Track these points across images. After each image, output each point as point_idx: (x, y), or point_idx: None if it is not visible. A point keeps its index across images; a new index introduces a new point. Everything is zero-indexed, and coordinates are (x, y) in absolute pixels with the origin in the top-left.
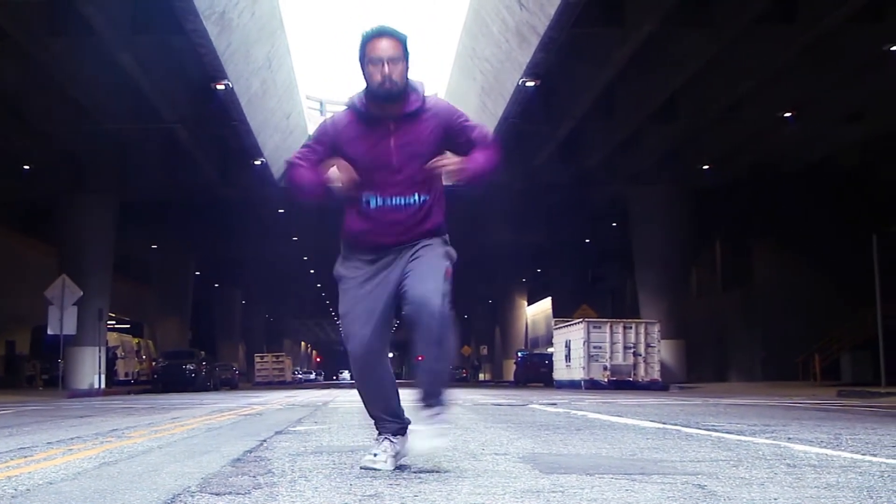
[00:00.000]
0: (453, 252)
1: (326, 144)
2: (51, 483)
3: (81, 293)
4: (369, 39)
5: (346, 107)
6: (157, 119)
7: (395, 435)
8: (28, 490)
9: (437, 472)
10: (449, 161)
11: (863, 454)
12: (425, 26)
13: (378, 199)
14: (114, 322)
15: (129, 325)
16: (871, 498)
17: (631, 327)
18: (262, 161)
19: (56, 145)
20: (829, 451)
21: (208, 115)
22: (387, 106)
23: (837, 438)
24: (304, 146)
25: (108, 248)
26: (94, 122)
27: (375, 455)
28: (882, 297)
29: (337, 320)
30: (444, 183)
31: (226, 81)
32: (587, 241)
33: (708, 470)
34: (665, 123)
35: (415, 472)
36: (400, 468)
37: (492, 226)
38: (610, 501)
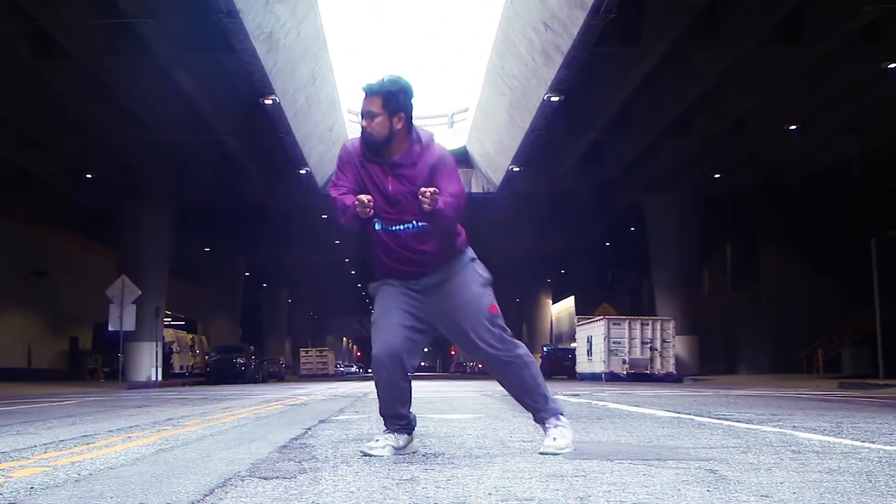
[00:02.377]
0: (484, 271)
1: (349, 164)
2: (111, 468)
3: (140, 292)
4: (363, 94)
5: (360, 140)
6: (210, 131)
7: (399, 433)
8: (91, 474)
9: (469, 457)
10: (427, 195)
11: (862, 441)
12: (458, 47)
13: (380, 224)
14: (170, 319)
15: (184, 323)
16: (871, 482)
17: (648, 324)
18: (306, 170)
19: (115, 156)
20: (831, 439)
21: (257, 127)
22: (380, 152)
23: (839, 427)
24: (335, 173)
25: (164, 251)
26: (151, 134)
27: (376, 441)
28: (880, 297)
29: None
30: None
31: (273, 96)
32: (607, 244)
33: (719, 456)
34: (679, 136)
35: (448, 458)
36: (434, 454)
37: (519, 231)
38: (629, 485)
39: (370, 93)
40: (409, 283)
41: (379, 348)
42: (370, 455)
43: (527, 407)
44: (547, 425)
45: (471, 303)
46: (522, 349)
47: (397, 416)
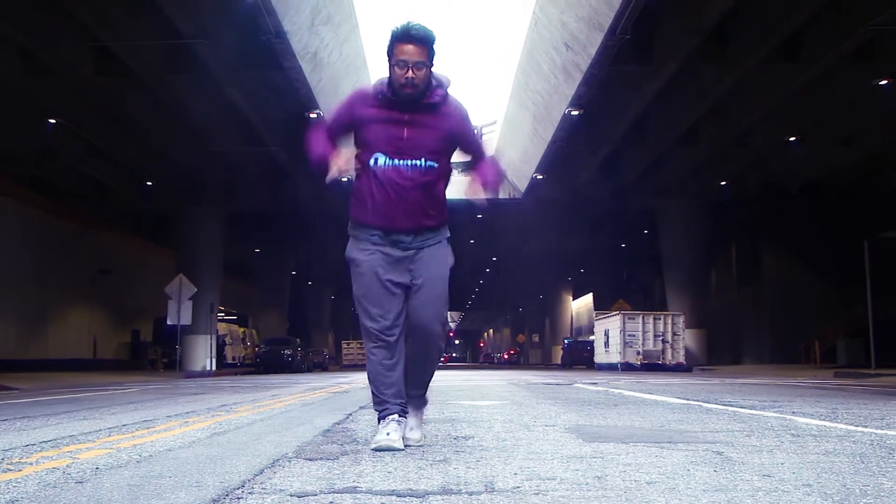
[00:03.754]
0: (452, 258)
1: (346, 120)
2: (170, 450)
3: (196, 290)
4: (398, 40)
5: (374, 88)
6: (260, 142)
7: (400, 416)
8: (151, 456)
9: (496, 440)
10: (473, 191)
11: (856, 426)
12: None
13: (386, 158)
14: (223, 314)
15: (236, 317)
16: (863, 463)
17: (660, 318)
18: (348, 179)
19: (174, 165)
20: (827, 423)
21: (303, 139)
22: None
23: (834, 412)
24: (333, 118)
25: (218, 251)
26: (207, 145)
27: (388, 434)
28: (872, 294)
29: None
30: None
31: (318, 111)
32: (623, 245)
33: (725, 439)
34: (688, 147)
35: (477, 441)
36: (465, 437)
37: (543, 233)
38: (642, 465)
39: (415, 40)
40: (392, 237)
41: (372, 328)
42: (389, 449)
43: (412, 384)
44: (409, 412)
45: (437, 280)
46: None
47: (398, 396)
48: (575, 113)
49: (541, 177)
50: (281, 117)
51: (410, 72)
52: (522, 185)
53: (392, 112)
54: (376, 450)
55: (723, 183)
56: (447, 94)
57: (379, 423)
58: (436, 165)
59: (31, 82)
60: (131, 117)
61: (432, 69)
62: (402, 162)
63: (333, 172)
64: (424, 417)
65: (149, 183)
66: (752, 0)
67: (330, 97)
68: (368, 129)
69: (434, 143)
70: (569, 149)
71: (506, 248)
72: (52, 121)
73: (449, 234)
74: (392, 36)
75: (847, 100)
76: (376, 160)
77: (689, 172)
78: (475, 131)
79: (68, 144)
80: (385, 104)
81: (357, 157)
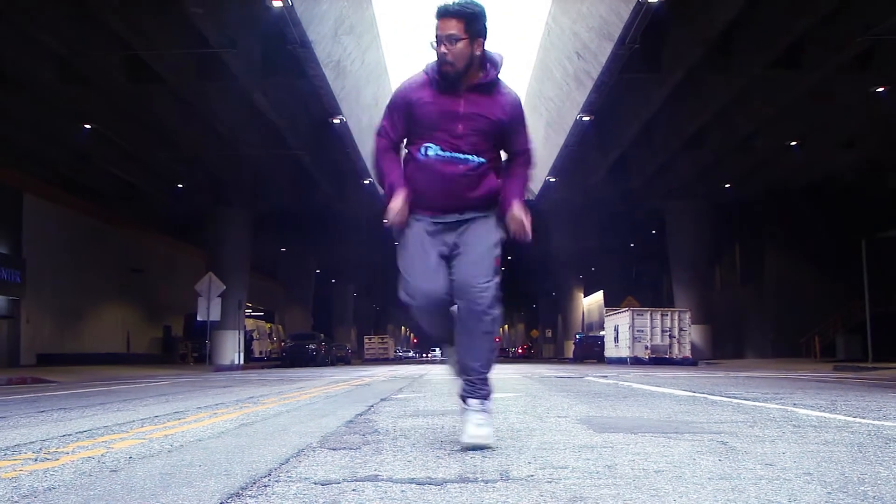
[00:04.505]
0: (502, 232)
1: (402, 109)
2: (200, 440)
3: (224, 287)
4: (437, 17)
5: (423, 72)
6: (285, 147)
7: (485, 400)
8: (182, 446)
9: (511, 430)
10: (520, 228)
11: (854, 417)
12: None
13: (436, 148)
14: (251, 310)
15: (263, 313)
16: (861, 452)
17: (667, 314)
18: (370, 181)
19: (203, 168)
20: (827, 415)
21: (326, 143)
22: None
23: (834, 404)
24: (384, 117)
25: (245, 251)
26: (234, 149)
27: (479, 424)
28: (870, 291)
29: None
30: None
31: (340, 117)
32: (632, 245)
33: (729, 430)
34: (694, 150)
35: (493, 432)
36: None
37: (555, 233)
38: (650, 455)
39: (450, 13)
40: (439, 217)
41: (419, 299)
42: (481, 447)
43: (466, 372)
44: (469, 406)
45: (484, 244)
46: (498, 312)
47: (468, 371)
48: (586, 119)
49: (553, 179)
50: (305, 122)
51: (443, 47)
52: (536, 188)
53: (443, 96)
54: (467, 447)
55: (727, 185)
56: (498, 76)
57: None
58: (485, 161)
59: (66, 89)
60: (162, 122)
61: (483, 46)
62: (452, 154)
63: (394, 220)
64: (485, 410)
65: (179, 185)
66: (755, 10)
67: (352, 104)
68: (421, 112)
69: (486, 129)
70: (580, 153)
71: (520, 247)
72: (87, 126)
73: (500, 210)
74: (435, 14)
75: (846, 105)
76: (427, 150)
77: (696, 175)
78: (525, 123)
79: (102, 148)
80: (437, 87)
81: (407, 143)
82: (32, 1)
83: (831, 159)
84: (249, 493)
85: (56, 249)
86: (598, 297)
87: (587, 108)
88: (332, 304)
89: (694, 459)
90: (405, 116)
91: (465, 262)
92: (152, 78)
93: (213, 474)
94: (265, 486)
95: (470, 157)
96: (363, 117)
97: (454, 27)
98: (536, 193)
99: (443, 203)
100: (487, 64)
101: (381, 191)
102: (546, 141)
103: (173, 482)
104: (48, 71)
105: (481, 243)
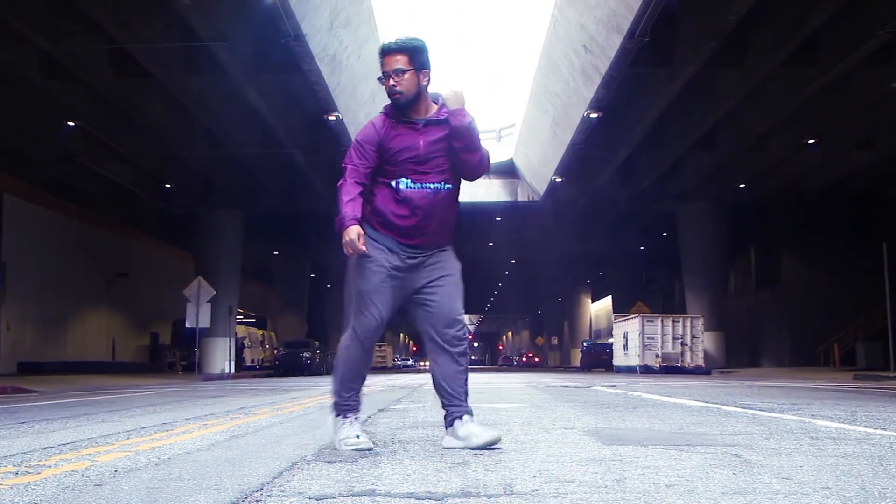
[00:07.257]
0: (459, 273)
1: (375, 144)
2: (188, 452)
3: (214, 292)
4: (380, 56)
5: (382, 113)
6: (278, 145)
7: (357, 413)
8: (169, 458)
9: (515, 443)
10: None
11: (875, 428)
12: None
13: (409, 182)
14: (242, 317)
15: (254, 320)
16: (882, 465)
17: (679, 321)
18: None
19: (192, 168)
20: (846, 426)
21: (321, 142)
22: (409, 112)
23: (853, 415)
24: (358, 152)
25: (236, 254)
26: (225, 148)
27: (357, 437)
28: (891, 296)
29: None
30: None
31: (336, 113)
32: (641, 248)
33: (744, 442)
34: (707, 150)
35: (495, 444)
36: None
37: (561, 236)
38: (661, 468)
39: (393, 50)
40: (402, 250)
41: (369, 322)
42: (360, 450)
43: (455, 396)
44: (465, 420)
45: (456, 281)
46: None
47: (358, 393)
48: (594, 115)
49: (560, 179)
50: (300, 120)
51: (392, 80)
52: (541, 188)
53: (407, 131)
54: (352, 449)
55: (741, 186)
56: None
57: (344, 420)
58: (451, 187)
59: (49, 85)
60: (149, 120)
61: (429, 77)
62: (425, 185)
63: (351, 250)
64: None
65: (167, 185)
66: (771, 4)
67: (349, 100)
68: (389, 147)
69: (448, 159)
70: (587, 151)
71: (524, 250)
72: (71, 123)
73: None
74: (378, 55)
75: (865, 103)
76: (398, 184)
77: (708, 175)
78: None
79: (87, 147)
80: (396, 119)
81: (379, 178)
82: None
83: (850, 159)
84: None
85: (37, 252)
86: (607, 302)
87: (595, 105)
88: (328, 310)
89: (707, 473)
90: (377, 148)
91: (447, 294)
92: (139, 73)
93: (203, 489)
94: (257, 500)
95: (439, 184)
96: (360, 114)
97: (400, 62)
98: (542, 194)
99: (413, 232)
100: (440, 100)
101: (336, 222)
102: (552, 139)
103: (160, 497)
104: (30, 66)
105: (456, 275)
